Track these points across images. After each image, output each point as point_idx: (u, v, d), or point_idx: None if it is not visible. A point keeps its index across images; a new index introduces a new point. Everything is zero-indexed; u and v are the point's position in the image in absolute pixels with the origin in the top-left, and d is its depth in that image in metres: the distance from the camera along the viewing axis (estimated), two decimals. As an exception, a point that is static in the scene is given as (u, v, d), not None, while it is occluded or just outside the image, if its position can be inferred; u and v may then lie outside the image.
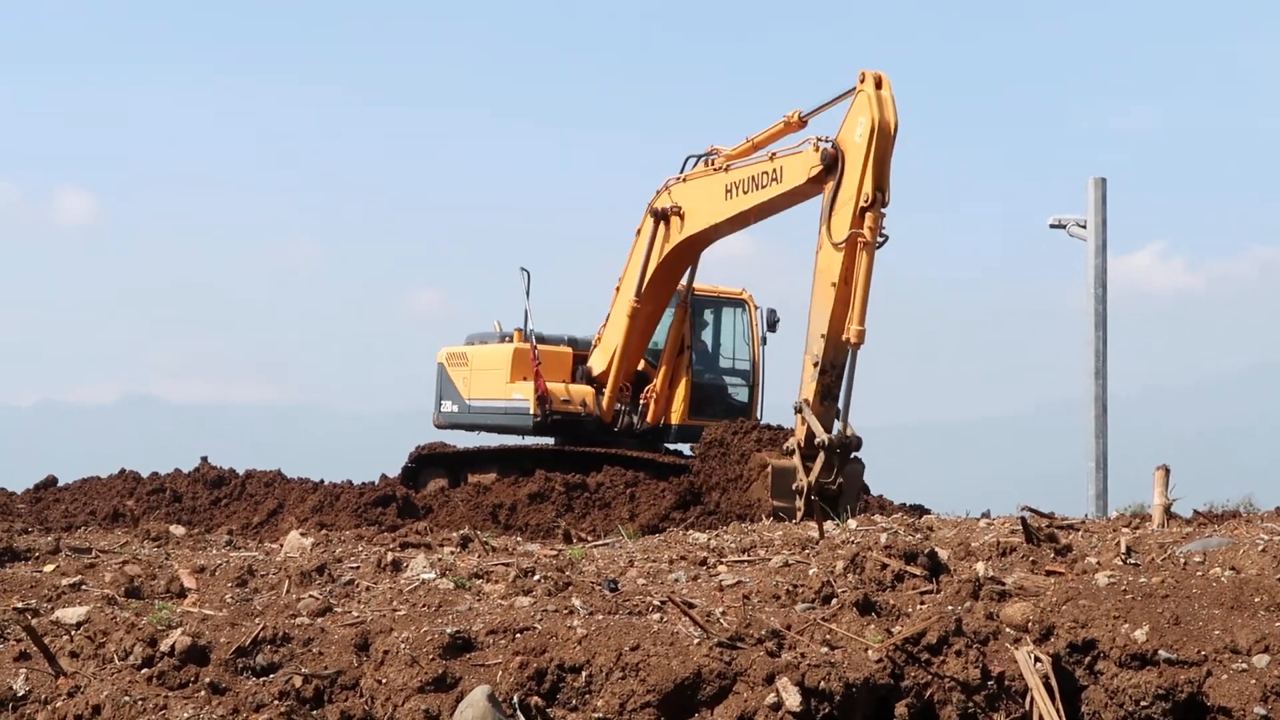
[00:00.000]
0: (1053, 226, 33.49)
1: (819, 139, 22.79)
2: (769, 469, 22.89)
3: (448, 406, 30.34)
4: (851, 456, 22.38)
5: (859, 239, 21.78)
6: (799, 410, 22.38)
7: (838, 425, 22.06)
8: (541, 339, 29.23)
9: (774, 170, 23.92)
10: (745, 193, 24.61)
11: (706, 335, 29.58)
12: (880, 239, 21.96)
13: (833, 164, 22.31)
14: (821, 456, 22.00)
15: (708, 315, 29.55)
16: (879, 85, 22.15)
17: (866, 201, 21.84)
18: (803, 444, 22.26)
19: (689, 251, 27.08)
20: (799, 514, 21.96)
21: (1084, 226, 32.72)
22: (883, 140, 21.96)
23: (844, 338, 22.03)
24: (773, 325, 29.37)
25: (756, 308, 29.61)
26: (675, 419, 28.52)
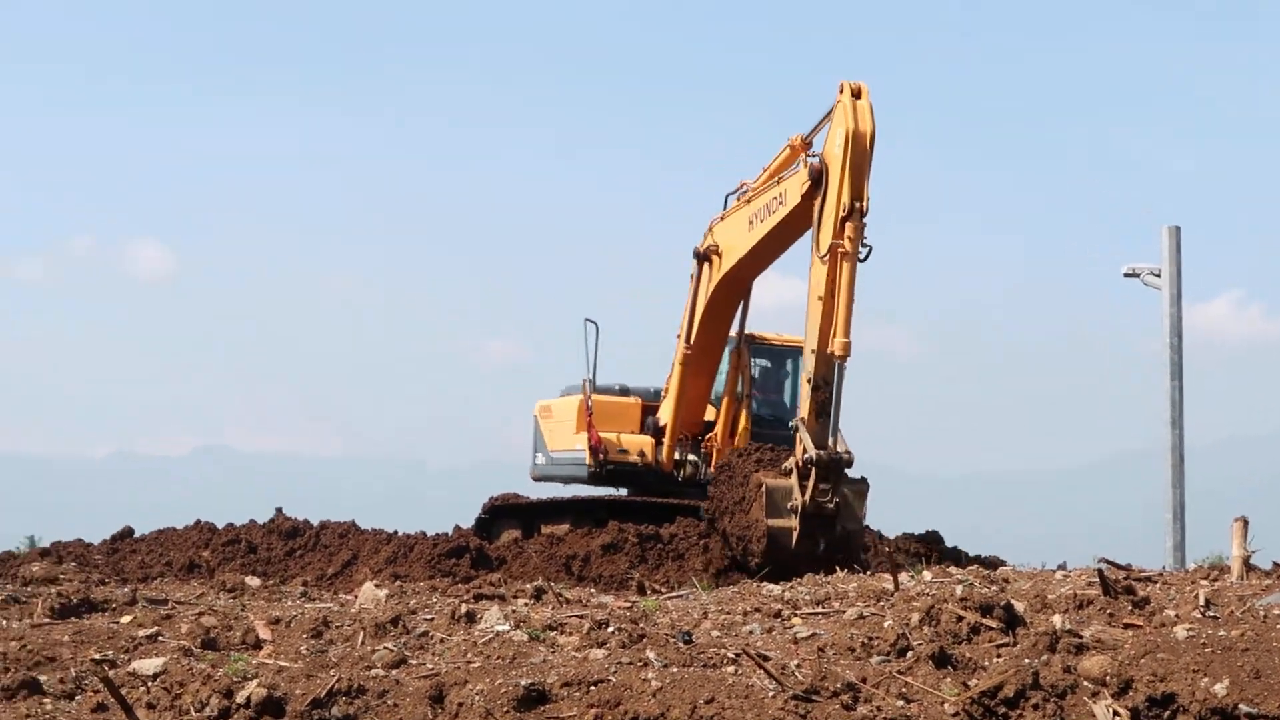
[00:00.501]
0: (1127, 275, 33.27)
1: (809, 155, 22.82)
2: (764, 488, 22.55)
3: (539, 459, 30.31)
4: (851, 475, 22.03)
5: (839, 249, 21.65)
6: (795, 429, 22.20)
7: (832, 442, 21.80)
8: (609, 390, 29.14)
9: (780, 194, 23.91)
10: (762, 221, 24.62)
11: (771, 381, 29.21)
12: (863, 249, 21.81)
13: (819, 178, 22.28)
14: (813, 474, 21.79)
15: (769, 361, 29.16)
16: (857, 95, 22.16)
17: (845, 211, 21.76)
18: (800, 463, 22.01)
19: (732, 291, 26.77)
20: (795, 533, 21.77)
21: (1158, 275, 32.52)
22: (858, 148, 21.84)
23: (829, 351, 21.84)
24: None
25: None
26: None
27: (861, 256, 21.93)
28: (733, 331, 27.73)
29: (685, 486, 28.58)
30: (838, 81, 22.73)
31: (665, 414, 28.65)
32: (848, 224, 21.72)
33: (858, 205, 21.78)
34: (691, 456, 28.57)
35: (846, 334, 21.71)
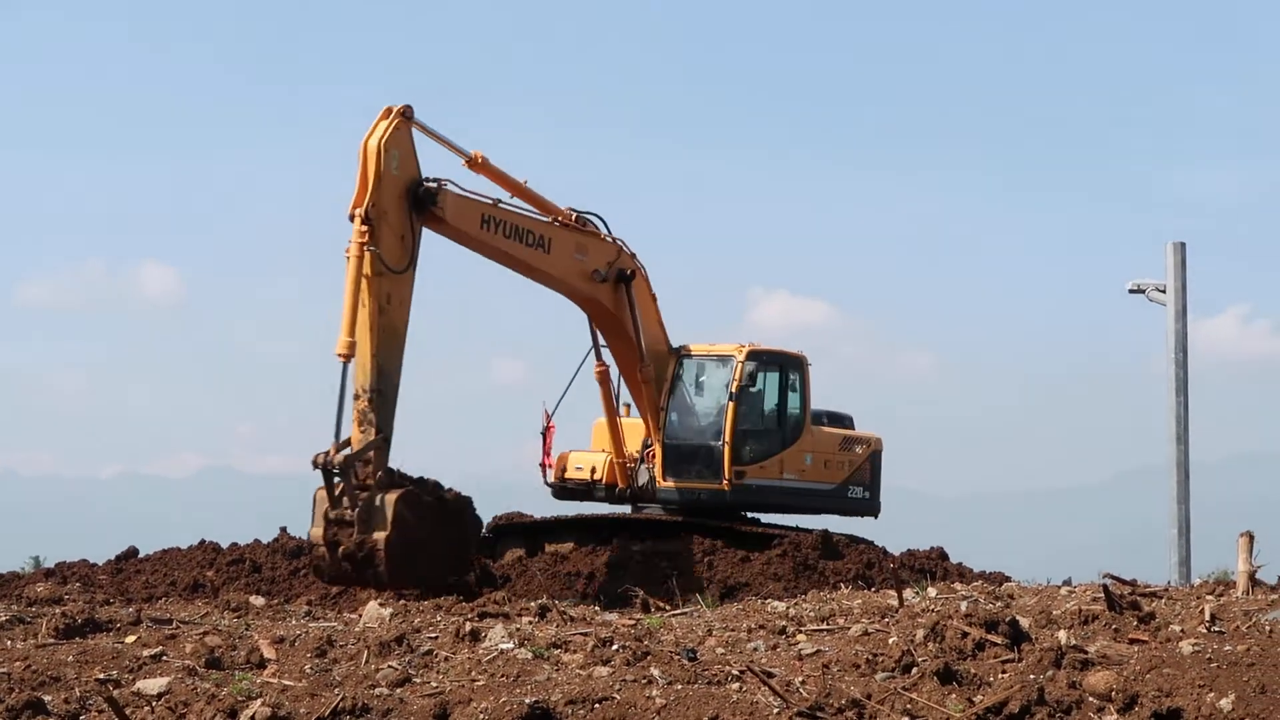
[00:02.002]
0: (1132, 291, 33.28)
1: None
2: (314, 499, 22.54)
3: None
4: (362, 484, 22.00)
5: (345, 251, 22.55)
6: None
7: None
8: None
9: None
10: None
11: (693, 394, 29.12)
12: (370, 250, 22.45)
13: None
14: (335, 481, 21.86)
15: (694, 373, 29.15)
16: (403, 114, 23.26)
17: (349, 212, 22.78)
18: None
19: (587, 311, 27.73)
20: (321, 546, 21.90)
21: (1163, 291, 32.53)
22: (364, 158, 22.98)
23: (336, 353, 22.14)
24: (753, 379, 28.47)
25: (745, 362, 28.51)
26: (658, 482, 28.50)
27: (401, 269, 22.96)
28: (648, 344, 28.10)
29: (637, 500, 28.77)
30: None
31: (649, 432, 28.82)
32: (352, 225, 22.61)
33: (356, 212, 22.60)
34: (645, 468, 28.78)
35: (348, 333, 22.11)
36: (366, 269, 22.49)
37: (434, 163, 24.49)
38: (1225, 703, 10.73)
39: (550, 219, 26.22)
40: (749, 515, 29.52)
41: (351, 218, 22.67)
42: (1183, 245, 32.68)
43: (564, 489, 29.50)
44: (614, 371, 28.75)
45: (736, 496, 28.18)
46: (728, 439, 28.03)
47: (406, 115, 23.40)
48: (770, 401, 29.37)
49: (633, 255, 27.79)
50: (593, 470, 29.29)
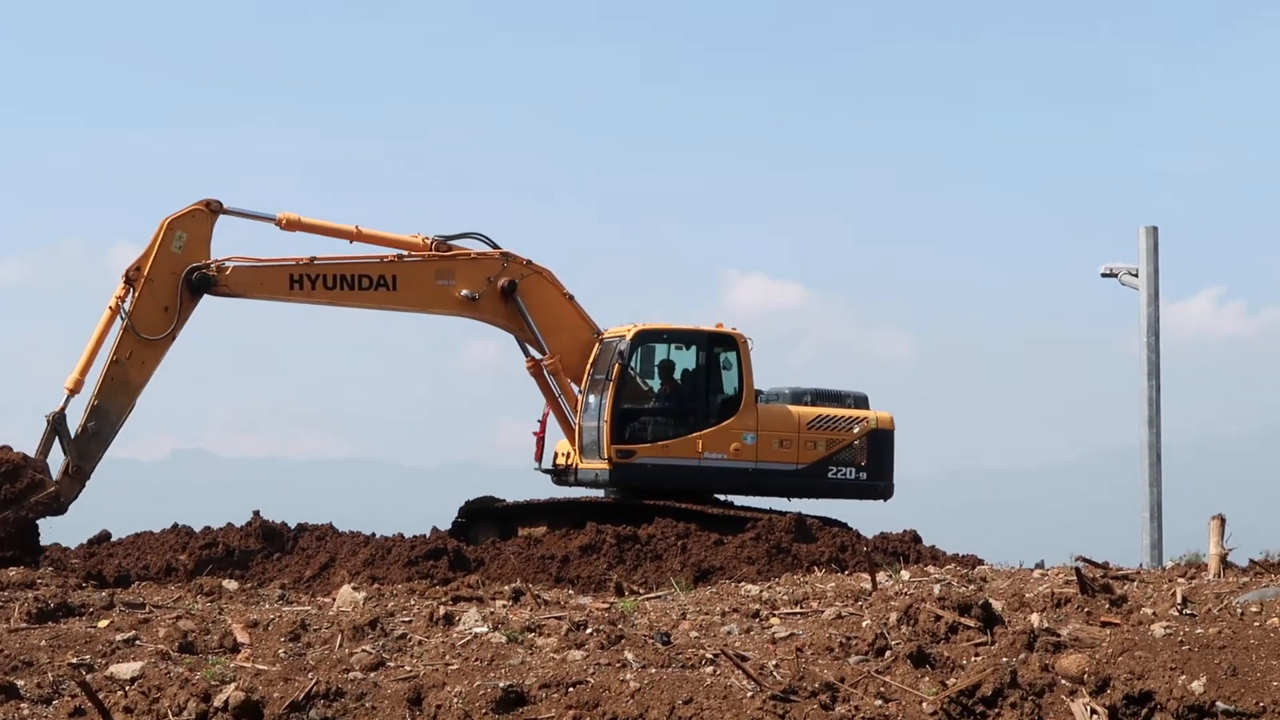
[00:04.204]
0: (1104, 275, 33.32)
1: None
2: None
3: None
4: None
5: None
6: None
7: None
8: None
9: None
10: None
11: (599, 377, 29.39)
12: (122, 313, 24.97)
13: None
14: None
15: (603, 357, 29.38)
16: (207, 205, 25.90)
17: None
18: None
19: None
20: None
21: (1135, 275, 32.60)
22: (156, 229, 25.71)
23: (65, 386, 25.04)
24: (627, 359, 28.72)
25: (630, 342, 28.80)
26: (578, 464, 29.07)
27: (153, 336, 25.34)
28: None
29: (606, 484, 29.04)
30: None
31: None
32: None
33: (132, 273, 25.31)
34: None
35: (78, 372, 24.89)
36: (118, 324, 24.96)
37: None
38: (1197, 685, 10.77)
39: (395, 255, 27.42)
40: (721, 498, 29.51)
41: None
42: (1155, 229, 32.74)
43: (555, 475, 29.80)
44: None
45: (621, 475, 28.34)
46: (605, 418, 28.28)
47: (210, 206, 25.88)
48: (679, 380, 29.38)
49: (526, 262, 28.57)
50: (566, 456, 29.47)
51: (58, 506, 24.75)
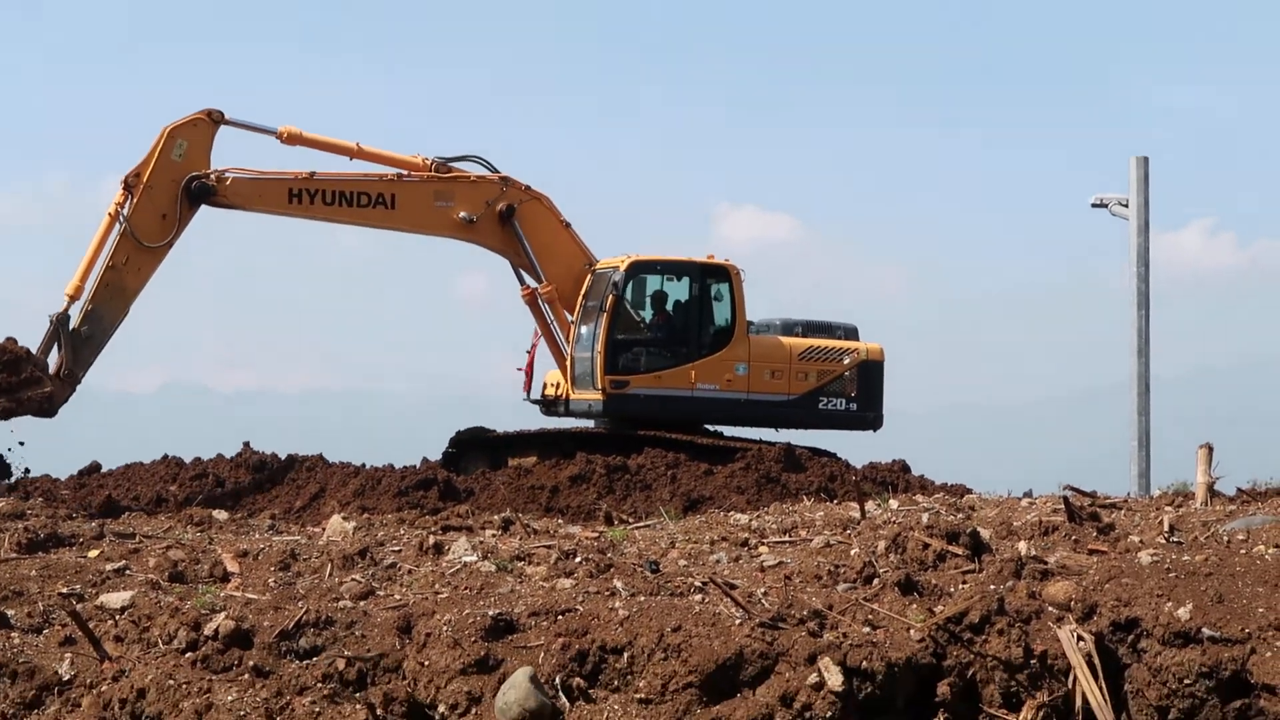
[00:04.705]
0: (1094, 206, 33.28)
1: None
2: None
3: None
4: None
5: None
6: None
7: None
8: None
9: None
10: None
11: (592, 307, 29.34)
12: (121, 218, 25.18)
13: None
14: None
15: (596, 287, 29.33)
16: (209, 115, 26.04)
17: None
18: None
19: None
20: None
21: (1126, 205, 32.57)
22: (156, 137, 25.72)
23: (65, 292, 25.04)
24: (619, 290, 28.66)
25: (624, 273, 28.72)
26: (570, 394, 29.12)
27: (151, 243, 25.38)
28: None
29: (599, 415, 29.10)
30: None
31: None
32: None
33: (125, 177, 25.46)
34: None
35: (78, 278, 24.98)
36: (117, 230, 25.07)
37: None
38: (1183, 612, 10.82)
39: (395, 175, 27.34)
40: (711, 428, 29.56)
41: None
42: (1146, 160, 32.70)
43: (546, 405, 29.87)
44: None
45: (615, 406, 28.38)
46: (599, 349, 28.27)
47: (212, 116, 25.95)
48: (675, 311, 29.38)
49: (526, 187, 28.50)
50: (556, 386, 29.54)
51: (49, 408, 24.71)
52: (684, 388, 28.80)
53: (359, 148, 27.74)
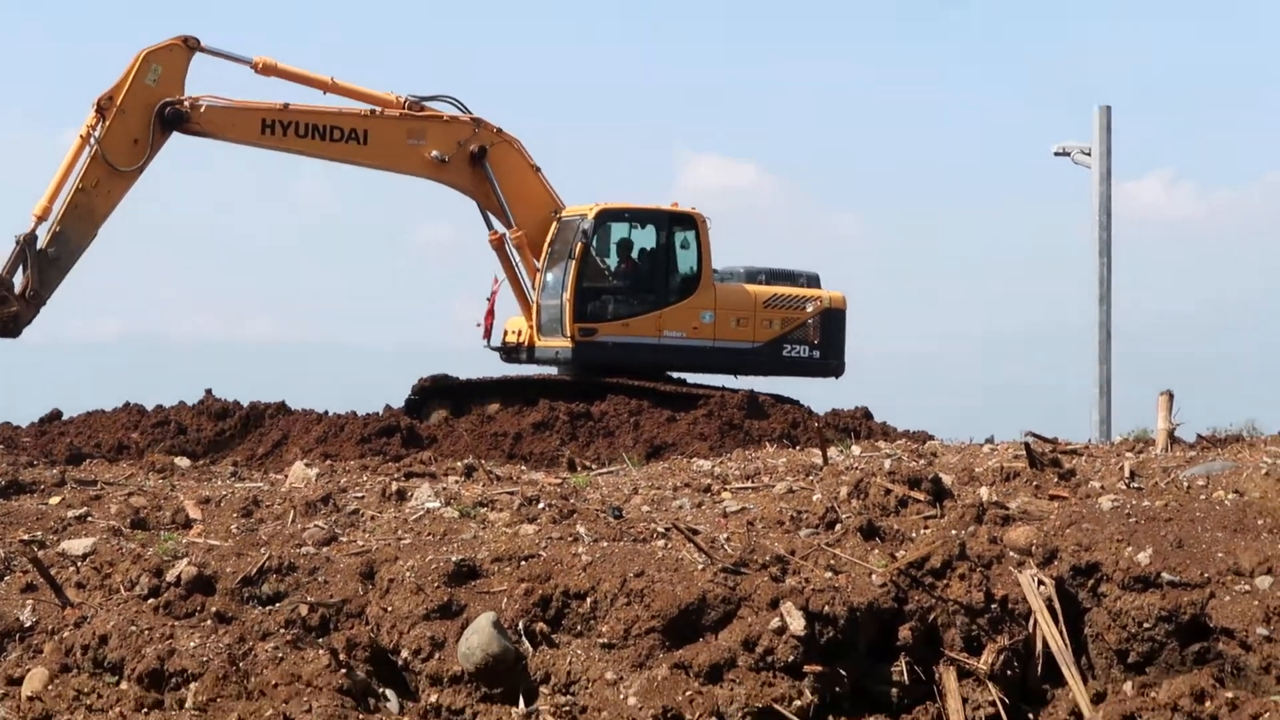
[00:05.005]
0: (1057, 154, 33.40)
1: None
2: None
3: None
4: None
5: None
6: None
7: None
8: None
9: None
10: None
11: (560, 255, 29.26)
12: (93, 140, 25.00)
13: None
14: None
15: (563, 234, 29.28)
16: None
17: None
18: None
19: None
20: None
21: (1088, 154, 32.65)
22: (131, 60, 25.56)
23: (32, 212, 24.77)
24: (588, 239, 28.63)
25: (592, 221, 28.67)
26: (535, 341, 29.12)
27: (122, 167, 25.15)
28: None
29: (567, 362, 29.10)
30: None
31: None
32: None
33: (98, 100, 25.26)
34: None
35: (46, 199, 24.73)
36: (87, 153, 24.81)
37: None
38: (1143, 556, 10.88)
39: (369, 111, 27.23)
40: (675, 375, 29.60)
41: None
42: (1108, 109, 32.77)
43: (506, 352, 29.87)
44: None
45: (583, 354, 28.39)
46: (568, 297, 28.26)
47: (188, 43, 25.73)
48: (642, 259, 29.38)
49: (497, 130, 28.42)
50: (518, 333, 29.53)
51: (14, 328, 24.55)
52: (651, 335, 28.83)
53: (333, 82, 27.58)
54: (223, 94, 26.60)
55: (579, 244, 28.34)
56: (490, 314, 29.97)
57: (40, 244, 24.50)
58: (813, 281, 30.71)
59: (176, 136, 26.02)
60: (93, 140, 24.81)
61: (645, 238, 29.59)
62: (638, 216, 29.59)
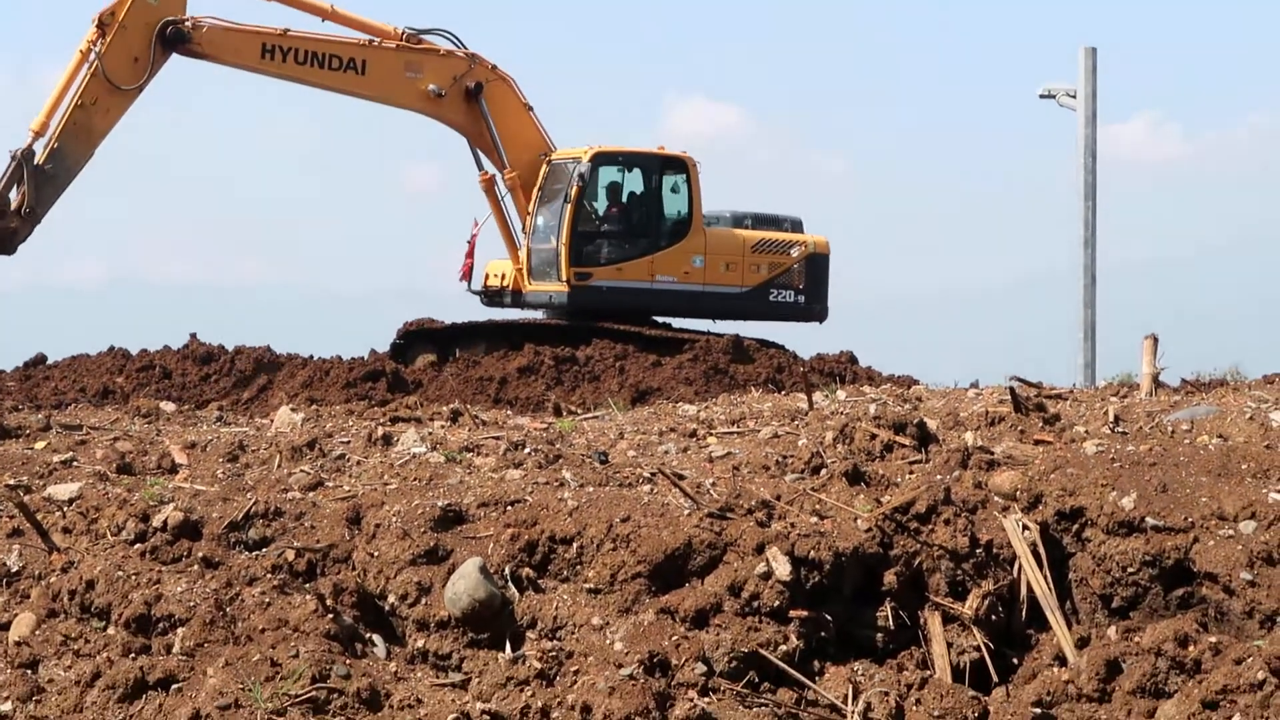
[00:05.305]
0: (1042, 96, 33.38)
1: None
2: None
3: None
4: None
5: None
6: None
7: None
8: None
9: None
10: None
11: (552, 198, 29.11)
12: (94, 56, 24.87)
13: None
14: None
15: (555, 177, 29.15)
16: None
17: None
18: None
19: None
20: None
21: (1074, 96, 32.63)
22: None
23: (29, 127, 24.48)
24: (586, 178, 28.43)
25: (586, 164, 28.49)
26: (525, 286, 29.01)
27: (121, 85, 24.96)
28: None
29: (561, 307, 29.09)
30: None
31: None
32: None
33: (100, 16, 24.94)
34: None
35: (44, 115, 24.63)
36: (90, 68, 24.69)
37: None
38: (1127, 501, 10.92)
39: (367, 40, 27.10)
40: (661, 320, 29.64)
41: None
42: (1094, 50, 32.78)
43: (487, 296, 29.84)
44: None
45: (579, 298, 28.37)
46: (564, 240, 28.21)
47: None
48: (634, 203, 29.34)
49: (492, 67, 28.28)
50: (501, 277, 29.50)
51: (9, 244, 24.39)
52: (644, 280, 28.87)
53: (333, 9, 27.41)
54: (223, 18, 26.47)
55: (575, 187, 28.29)
56: (470, 257, 29.92)
57: (37, 160, 24.29)
58: (796, 226, 30.74)
59: (174, 60, 25.82)
60: (93, 55, 24.58)
61: (637, 181, 29.56)
62: (632, 160, 29.56)
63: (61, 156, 24.48)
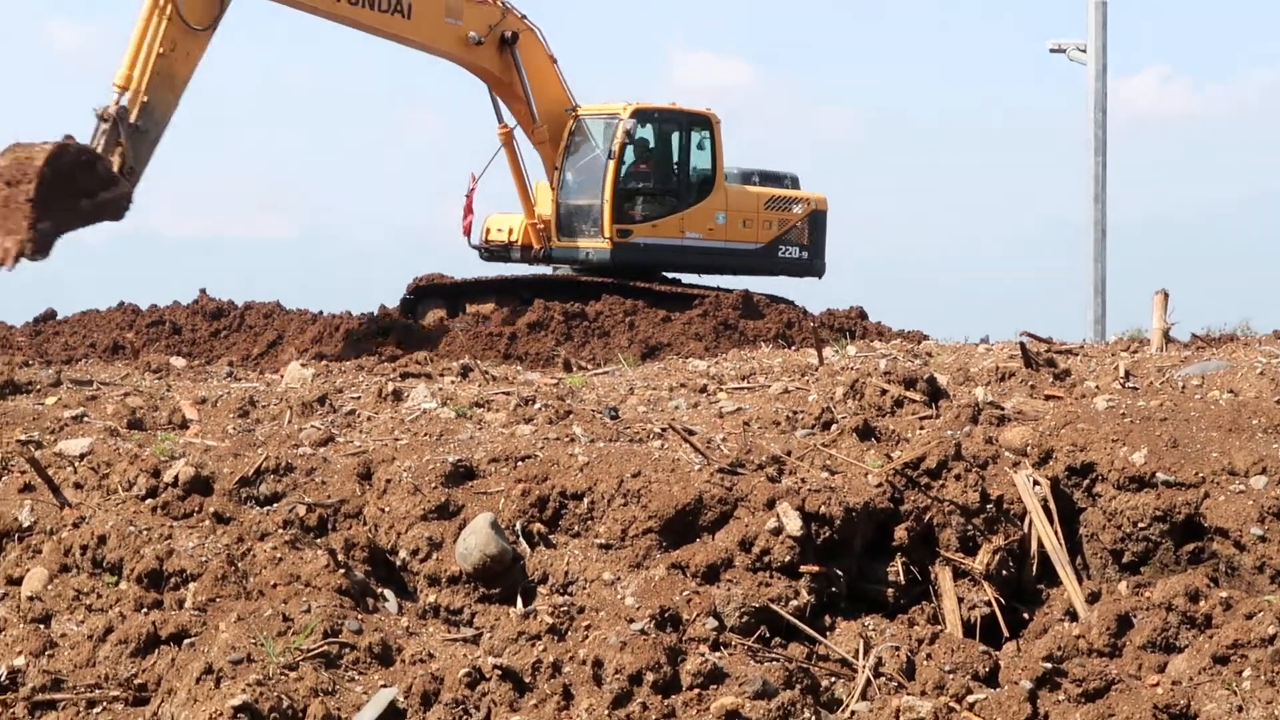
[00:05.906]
0: (1053, 51, 33.30)
1: None
2: None
3: None
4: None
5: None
6: None
7: None
8: None
9: None
10: None
11: (584, 154, 29.04)
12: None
13: None
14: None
15: (586, 133, 29.10)
16: None
17: None
18: None
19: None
20: None
21: (1084, 50, 32.52)
22: None
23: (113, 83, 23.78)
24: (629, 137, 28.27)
25: (628, 120, 28.38)
26: (553, 242, 28.91)
27: (197, 25, 24.22)
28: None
29: (607, 264, 29.00)
30: None
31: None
32: None
33: None
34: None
35: (127, 66, 23.67)
36: (163, 13, 23.80)
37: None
38: (1138, 456, 10.91)
39: None
40: (670, 275, 29.64)
41: None
42: (1104, 3, 32.61)
43: (488, 251, 29.83)
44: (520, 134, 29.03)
45: (620, 255, 28.41)
46: (607, 197, 28.20)
47: None
48: (666, 160, 29.37)
49: (522, 16, 28.22)
50: (509, 231, 29.52)
51: (123, 210, 23.69)
52: (675, 236, 28.98)
53: None
54: None
55: (619, 143, 28.29)
56: (469, 211, 29.90)
57: (131, 118, 23.69)
58: (795, 183, 30.89)
59: (235, 3, 25.40)
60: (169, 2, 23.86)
61: (671, 139, 29.63)
62: (666, 117, 29.61)
63: (151, 110, 23.71)
